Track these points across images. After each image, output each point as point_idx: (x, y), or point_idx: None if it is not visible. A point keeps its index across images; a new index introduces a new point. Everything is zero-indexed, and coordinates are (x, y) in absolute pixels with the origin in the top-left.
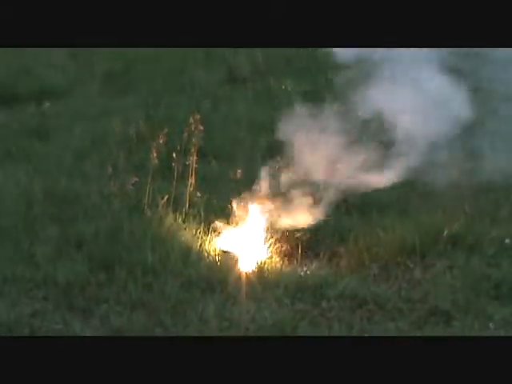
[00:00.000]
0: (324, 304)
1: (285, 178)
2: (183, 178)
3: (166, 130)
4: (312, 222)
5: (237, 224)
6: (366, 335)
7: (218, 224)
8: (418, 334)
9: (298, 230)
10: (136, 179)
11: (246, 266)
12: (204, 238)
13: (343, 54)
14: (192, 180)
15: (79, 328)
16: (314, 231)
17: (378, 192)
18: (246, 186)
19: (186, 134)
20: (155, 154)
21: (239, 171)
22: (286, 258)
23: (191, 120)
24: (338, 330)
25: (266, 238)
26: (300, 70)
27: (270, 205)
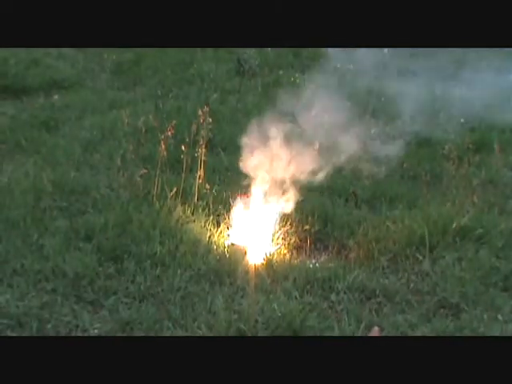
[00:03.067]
0: (333, 297)
1: (295, 168)
2: (192, 169)
3: (174, 122)
4: (320, 213)
5: (246, 216)
6: (375, 329)
7: (227, 216)
8: (427, 326)
9: (307, 222)
10: (145, 171)
11: (255, 258)
12: (213, 230)
13: None
14: (201, 172)
15: (88, 320)
16: (323, 223)
17: (386, 184)
18: (254, 177)
19: (194, 126)
20: (164, 146)
21: (247, 163)
22: (294, 251)
23: (200, 112)
24: (346, 323)
25: (275, 230)
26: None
27: (279, 196)
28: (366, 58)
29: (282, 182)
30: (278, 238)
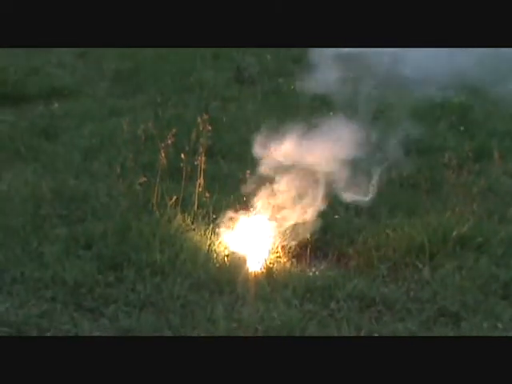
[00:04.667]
0: (333, 305)
1: (293, 177)
2: (192, 178)
3: (174, 130)
4: (320, 222)
5: (245, 224)
6: (376, 335)
7: (227, 224)
8: (427, 335)
9: (306, 231)
10: (144, 179)
11: (255, 266)
12: (213, 238)
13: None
14: (200, 180)
15: (88, 328)
16: (323, 232)
17: (386, 192)
18: (254, 186)
19: (194, 134)
20: (163, 154)
21: (248, 171)
22: (294, 259)
23: (199, 120)
24: (346, 331)
25: (275, 238)
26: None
27: (279, 205)
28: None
29: (283, 191)
30: (277, 247)
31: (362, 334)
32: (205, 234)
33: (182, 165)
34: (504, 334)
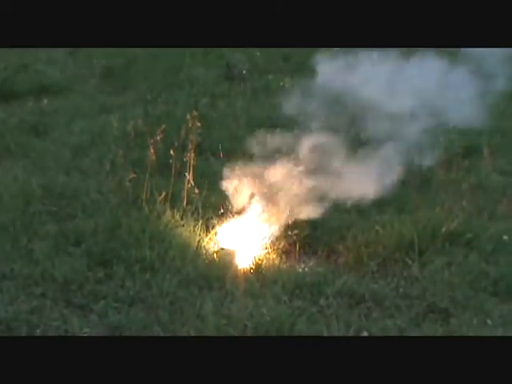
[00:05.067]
0: (322, 301)
1: (284, 174)
2: (181, 174)
3: (163, 127)
4: (310, 218)
5: (235, 221)
6: (365, 332)
7: (216, 221)
8: (417, 331)
9: (296, 227)
10: (134, 175)
11: (244, 262)
12: (202, 234)
13: None
14: (190, 176)
15: (77, 324)
16: (312, 228)
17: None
18: (244, 182)
19: (183, 131)
20: (153, 151)
21: (237, 168)
22: (283, 255)
23: (189, 117)
24: (335, 328)
25: (264, 234)
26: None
27: (268, 201)
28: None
29: (271, 188)
30: (267, 243)
31: (352, 331)
32: (194, 231)
33: (171, 161)
34: (493, 331)
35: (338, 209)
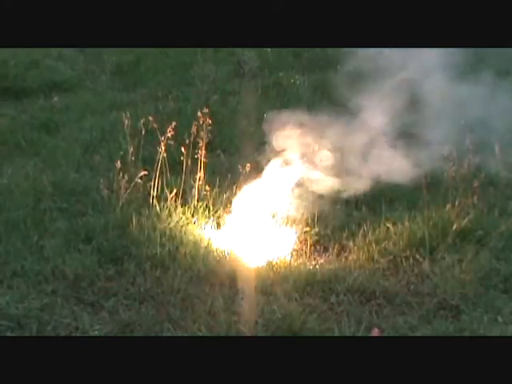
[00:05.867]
0: (333, 298)
1: (293, 170)
2: (192, 171)
3: (174, 124)
4: (321, 215)
5: (246, 217)
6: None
7: (227, 218)
8: (428, 328)
9: (307, 224)
10: (145, 173)
11: (255, 260)
12: (213, 231)
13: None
14: (201, 173)
15: (88, 322)
16: (323, 225)
17: (387, 185)
18: (254, 179)
19: (194, 128)
20: (164, 148)
21: (248, 165)
22: (295, 253)
23: (200, 114)
24: (346, 325)
25: (276, 231)
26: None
27: (279, 198)
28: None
29: (283, 184)
30: (278, 240)
31: (363, 328)
32: (205, 228)
33: (182, 158)
34: (504, 328)
35: (348, 205)
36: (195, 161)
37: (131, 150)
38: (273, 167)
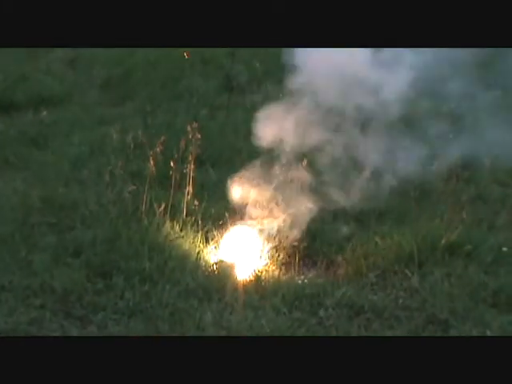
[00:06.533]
0: (321, 312)
1: (283, 185)
2: (181, 186)
3: (163, 138)
4: (309, 230)
5: (234, 232)
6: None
7: (216, 232)
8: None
9: (295, 239)
10: (133, 187)
11: (244, 274)
12: (201, 246)
13: None
14: (189, 188)
15: (76, 336)
16: (312, 239)
17: (375, 199)
18: (243, 194)
19: (183, 142)
20: (153, 162)
21: (237, 179)
22: (283, 267)
23: (189, 128)
24: None
25: (264, 246)
26: None
27: (267, 213)
28: None
29: (271, 198)
30: (266, 254)
31: None
32: (193, 242)
33: (171, 173)
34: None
35: (336, 219)
36: (184, 175)
37: (120, 164)
38: (261, 181)
